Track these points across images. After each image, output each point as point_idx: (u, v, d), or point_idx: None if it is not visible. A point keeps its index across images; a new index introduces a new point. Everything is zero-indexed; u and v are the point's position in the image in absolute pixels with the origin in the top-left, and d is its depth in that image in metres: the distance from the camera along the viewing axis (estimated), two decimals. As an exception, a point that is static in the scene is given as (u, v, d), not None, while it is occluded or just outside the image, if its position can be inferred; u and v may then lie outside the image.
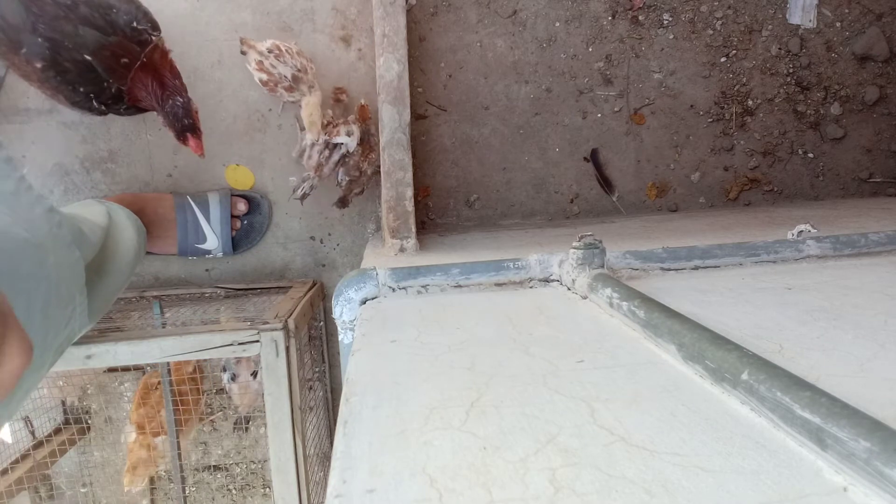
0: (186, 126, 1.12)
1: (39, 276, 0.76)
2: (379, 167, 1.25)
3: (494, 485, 0.33)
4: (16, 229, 0.74)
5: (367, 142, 1.29)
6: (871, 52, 1.51)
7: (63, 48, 0.98)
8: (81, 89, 1.04)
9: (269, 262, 1.45)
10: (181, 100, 1.11)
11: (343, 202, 1.35)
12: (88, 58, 1.00)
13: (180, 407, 1.30)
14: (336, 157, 1.26)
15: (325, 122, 1.27)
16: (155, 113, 1.13)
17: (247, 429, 1.46)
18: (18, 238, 0.74)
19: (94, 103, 1.07)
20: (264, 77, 1.26)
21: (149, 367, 1.40)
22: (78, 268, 0.87)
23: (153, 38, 1.08)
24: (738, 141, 1.54)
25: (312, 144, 1.26)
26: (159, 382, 1.32)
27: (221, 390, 1.46)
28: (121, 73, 1.06)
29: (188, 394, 1.30)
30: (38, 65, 0.98)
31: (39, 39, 0.96)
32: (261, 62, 1.24)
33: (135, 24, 1.05)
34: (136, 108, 1.14)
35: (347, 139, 1.24)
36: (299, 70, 1.25)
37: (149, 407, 1.30)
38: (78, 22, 0.98)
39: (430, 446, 0.38)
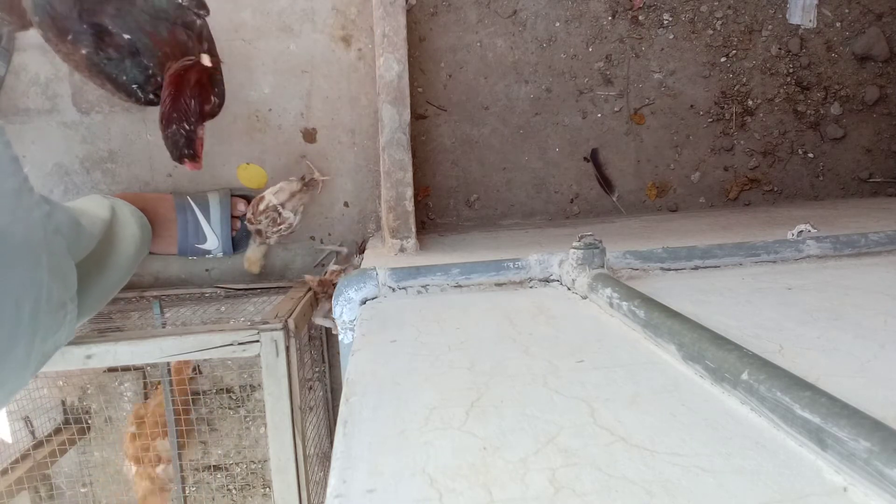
0: (186, 155, 1.08)
1: (31, 281, 0.76)
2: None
3: (494, 485, 0.33)
4: (12, 230, 0.74)
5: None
6: (871, 52, 1.51)
7: (106, 33, 0.97)
8: (124, 77, 1.02)
9: (269, 262, 1.45)
10: (186, 128, 1.05)
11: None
12: (128, 36, 0.98)
13: (182, 417, 1.30)
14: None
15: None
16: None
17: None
18: (14, 240, 0.73)
19: (140, 92, 1.04)
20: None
21: (141, 394, 1.40)
22: (71, 277, 0.86)
23: (199, 16, 1.05)
24: (738, 141, 1.54)
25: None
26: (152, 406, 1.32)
27: (222, 390, 1.46)
28: (159, 62, 1.03)
29: (188, 403, 1.30)
30: (84, 51, 0.98)
31: (84, 26, 0.96)
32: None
33: (180, 0, 1.02)
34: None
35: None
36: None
37: (143, 438, 1.30)
38: (119, 3, 0.97)
39: (430, 446, 0.38)
